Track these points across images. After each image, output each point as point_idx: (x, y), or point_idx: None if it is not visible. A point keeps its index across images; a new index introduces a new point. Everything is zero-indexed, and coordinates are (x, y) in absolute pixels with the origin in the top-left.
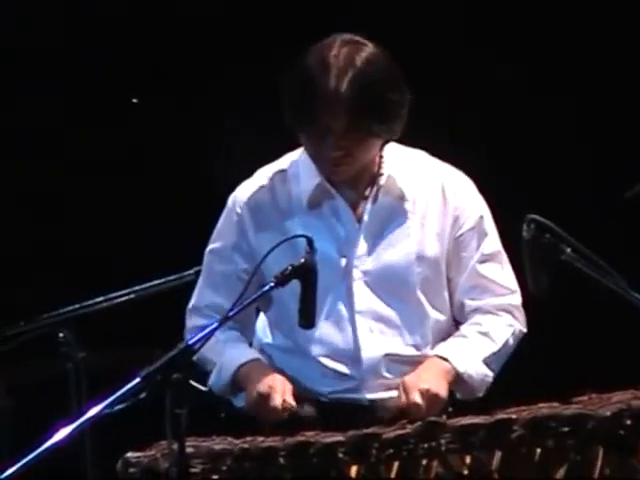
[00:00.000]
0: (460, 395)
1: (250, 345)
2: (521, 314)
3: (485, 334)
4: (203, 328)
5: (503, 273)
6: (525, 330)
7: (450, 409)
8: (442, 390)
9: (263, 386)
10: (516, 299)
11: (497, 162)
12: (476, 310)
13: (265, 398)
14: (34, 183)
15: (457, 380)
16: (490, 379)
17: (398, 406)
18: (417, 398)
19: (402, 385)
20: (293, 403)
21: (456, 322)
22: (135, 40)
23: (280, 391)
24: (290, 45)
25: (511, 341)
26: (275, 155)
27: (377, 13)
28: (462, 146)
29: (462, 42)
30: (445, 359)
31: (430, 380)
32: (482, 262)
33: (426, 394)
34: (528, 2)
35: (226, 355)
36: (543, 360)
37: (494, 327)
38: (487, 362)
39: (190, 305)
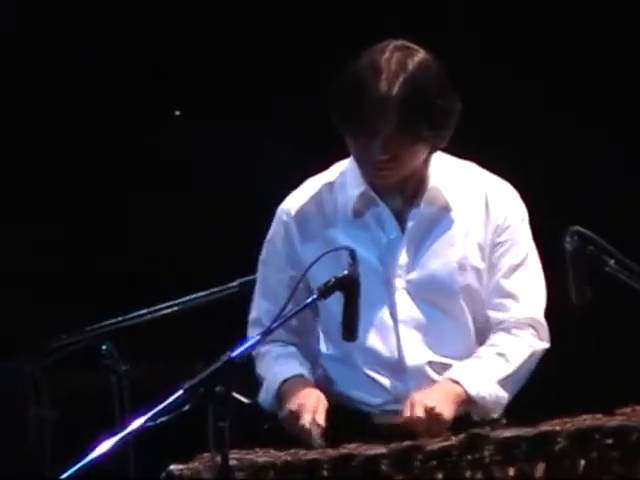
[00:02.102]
0: (476, 416)
1: (312, 357)
2: (544, 329)
3: (501, 355)
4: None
5: (529, 286)
6: (548, 345)
7: (504, 421)
8: (447, 411)
9: (294, 404)
10: (539, 313)
11: (541, 174)
12: (497, 324)
13: (295, 416)
14: (76, 196)
15: (469, 402)
16: (505, 400)
17: (401, 420)
18: (420, 413)
19: (408, 400)
20: (322, 423)
21: (477, 333)
22: (183, 54)
23: (310, 409)
24: (337, 60)
25: (529, 362)
26: (320, 169)
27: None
28: (507, 158)
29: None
30: (456, 382)
31: (437, 400)
32: (509, 274)
33: (430, 411)
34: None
35: (273, 371)
36: (586, 372)
37: (511, 348)
38: (502, 384)
39: (250, 317)
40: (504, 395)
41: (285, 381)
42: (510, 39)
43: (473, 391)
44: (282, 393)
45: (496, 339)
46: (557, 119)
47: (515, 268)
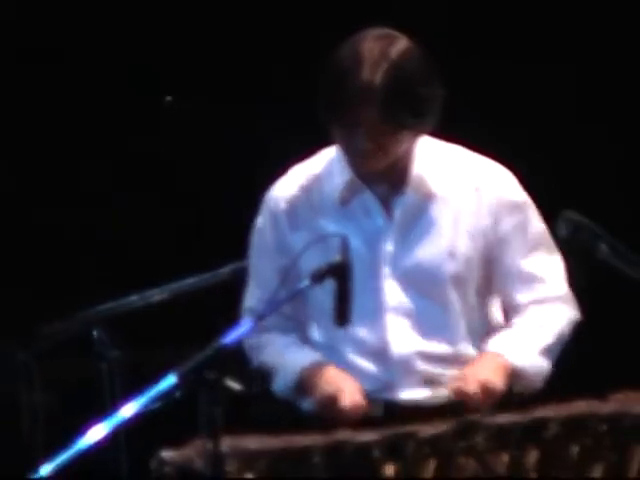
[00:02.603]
0: (517, 389)
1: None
2: (572, 301)
3: (540, 326)
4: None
5: (549, 264)
6: (579, 316)
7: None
8: (499, 384)
9: (330, 387)
10: (564, 288)
11: (532, 158)
12: (528, 304)
13: (333, 399)
14: (70, 182)
15: (514, 374)
16: (547, 370)
17: (455, 391)
18: (475, 388)
19: (460, 375)
20: (363, 402)
21: (507, 318)
22: (171, 42)
23: (349, 391)
24: (327, 47)
25: (566, 330)
26: (311, 154)
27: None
28: (497, 143)
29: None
30: (500, 354)
31: (488, 374)
32: (527, 256)
33: (484, 386)
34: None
35: (288, 359)
36: (579, 357)
37: (548, 318)
38: (543, 353)
39: (244, 306)
40: (546, 365)
41: (305, 368)
42: (504, 28)
43: (518, 362)
44: (303, 380)
45: (532, 310)
46: (547, 104)
47: (532, 248)
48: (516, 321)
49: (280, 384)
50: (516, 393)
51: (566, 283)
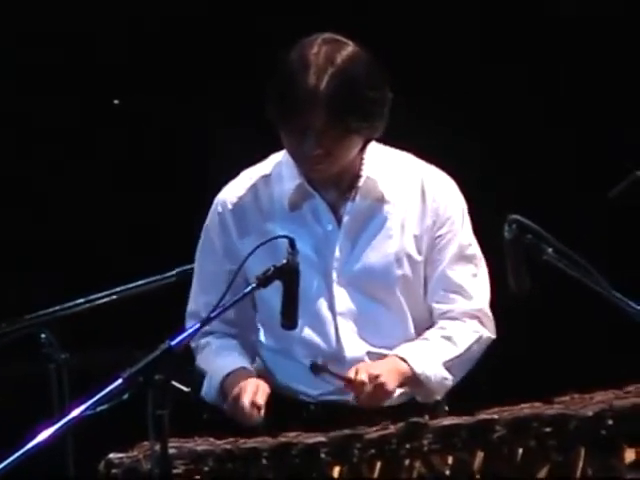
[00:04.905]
0: (419, 397)
1: (251, 348)
2: (489, 320)
3: (448, 338)
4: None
5: (474, 278)
6: (493, 336)
7: (446, 408)
8: (391, 383)
9: (236, 388)
10: (484, 305)
11: (480, 161)
12: (443, 314)
13: (236, 400)
14: (16, 183)
15: (414, 381)
16: (450, 382)
17: (344, 381)
18: (364, 378)
19: (354, 367)
20: (261, 402)
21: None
22: (133, 41)
23: (250, 392)
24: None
25: (476, 347)
26: (267, 155)
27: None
28: (446, 145)
29: (450, 40)
30: (403, 359)
31: (382, 371)
32: (452, 266)
33: (374, 379)
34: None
35: (215, 365)
36: (524, 360)
37: (458, 332)
38: (447, 366)
39: (188, 310)
40: (449, 377)
41: (228, 375)
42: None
43: (419, 369)
44: (226, 386)
45: (443, 324)
46: (491, 105)
47: (458, 260)
48: (427, 332)
49: (206, 389)
50: (420, 402)
51: (487, 300)
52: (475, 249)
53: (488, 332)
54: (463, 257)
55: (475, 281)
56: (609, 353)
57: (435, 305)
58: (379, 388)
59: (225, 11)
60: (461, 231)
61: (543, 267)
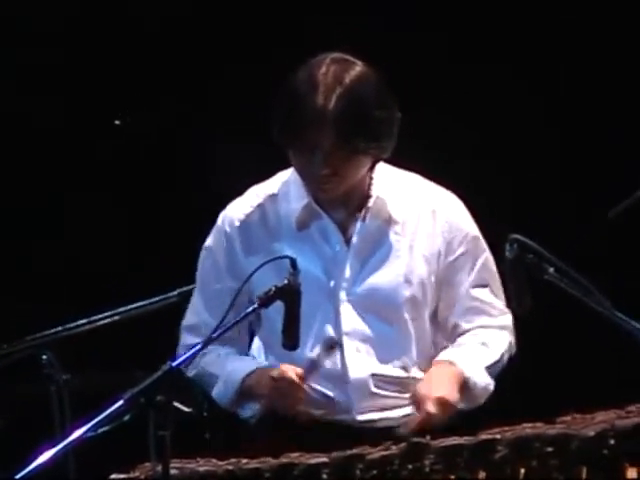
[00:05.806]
0: (462, 404)
1: None
2: (513, 334)
3: (484, 344)
4: (194, 347)
5: (496, 295)
6: (515, 349)
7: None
8: (454, 396)
9: (274, 371)
10: (508, 320)
11: (481, 181)
12: (473, 328)
13: (282, 375)
14: (19, 200)
15: (463, 386)
16: (492, 388)
17: (416, 421)
18: (432, 409)
19: (415, 396)
20: (301, 372)
21: (451, 342)
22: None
23: (291, 369)
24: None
25: (506, 355)
26: (273, 171)
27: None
28: (447, 165)
29: (446, 58)
30: (452, 363)
31: (442, 387)
32: (476, 285)
33: (439, 402)
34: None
35: (230, 367)
36: (526, 380)
37: (492, 338)
38: (489, 371)
39: (183, 323)
40: (491, 382)
41: (248, 375)
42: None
43: (468, 373)
44: (246, 386)
45: (476, 331)
46: (496, 129)
47: (481, 279)
48: (461, 339)
49: (221, 392)
50: (460, 411)
51: (510, 317)
52: (493, 266)
53: (514, 345)
54: (485, 277)
55: (497, 297)
56: (610, 373)
57: (463, 324)
58: (446, 408)
59: (227, 22)
60: (478, 249)
61: (544, 286)
